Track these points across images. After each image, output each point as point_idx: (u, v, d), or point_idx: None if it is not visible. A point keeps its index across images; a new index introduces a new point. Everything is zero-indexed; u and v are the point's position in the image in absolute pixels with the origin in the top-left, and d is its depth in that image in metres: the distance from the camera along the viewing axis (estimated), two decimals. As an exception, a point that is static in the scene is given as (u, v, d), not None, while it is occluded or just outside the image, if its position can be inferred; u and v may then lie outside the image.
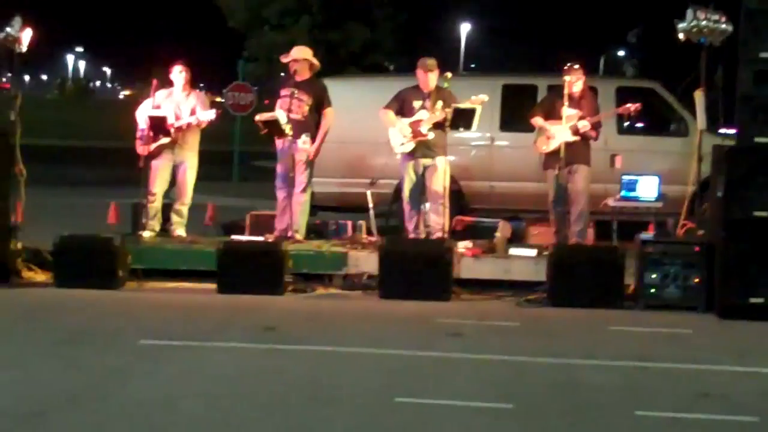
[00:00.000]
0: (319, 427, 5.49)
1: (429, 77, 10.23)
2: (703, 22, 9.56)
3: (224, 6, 29.49)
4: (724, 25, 9.58)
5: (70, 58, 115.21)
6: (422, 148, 10.30)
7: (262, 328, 7.98)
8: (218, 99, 21.53)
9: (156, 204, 10.75)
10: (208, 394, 6.04)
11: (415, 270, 9.32)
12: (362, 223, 11.12)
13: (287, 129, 10.33)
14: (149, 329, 7.83)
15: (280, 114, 10.43)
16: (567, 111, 10.27)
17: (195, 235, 10.93)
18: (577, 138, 10.36)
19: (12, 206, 10.00)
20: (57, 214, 14.52)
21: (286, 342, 7.49)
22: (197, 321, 8.29)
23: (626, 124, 12.93)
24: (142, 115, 10.78)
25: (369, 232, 11.01)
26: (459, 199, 11.91)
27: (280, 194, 10.65)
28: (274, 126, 10.43)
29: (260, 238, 10.47)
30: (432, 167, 10.32)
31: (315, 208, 11.94)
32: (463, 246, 10.07)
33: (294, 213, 10.52)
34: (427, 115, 10.17)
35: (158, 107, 10.72)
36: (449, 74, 10.38)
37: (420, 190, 10.48)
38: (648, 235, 9.94)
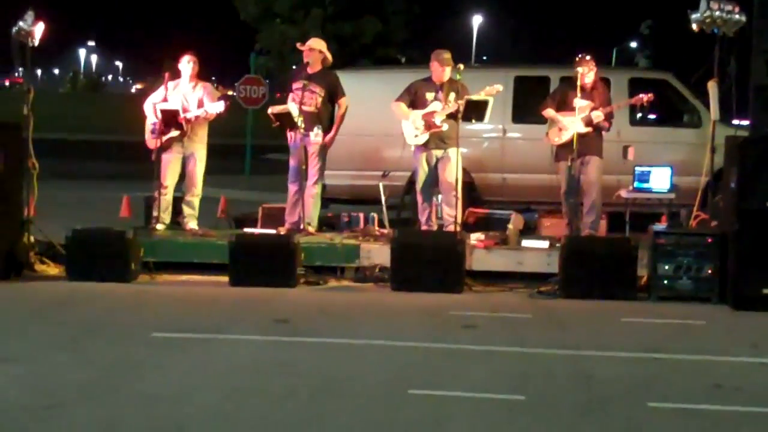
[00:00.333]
0: (331, 419, 5.49)
1: (445, 70, 10.22)
2: (717, 13, 9.52)
3: (236, -1, 29.49)
4: (737, 16, 9.54)
5: (82, 53, 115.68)
6: (435, 140, 10.30)
7: (274, 320, 7.99)
8: (230, 92, 21.52)
9: (168, 197, 10.76)
10: (221, 386, 6.05)
11: (428, 262, 9.31)
12: (374, 215, 11.13)
13: (299, 122, 10.33)
14: (162, 322, 7.85)
15: (292, 107, 10.43)
16: (579, 102, 10.25)
17: (207, 228, 10.94)
18: (589, 129, 10.34)
19: (25, 200, 10.02)
20: (69, 207, 14.58)
21: (298, 334, 7.49)
22: (209, 314, 8.31)
23: (639, 115, 12.89)
24: (150, 107, 10.77)
25: (381, 225, 11.01)
26: (471, 191, 11.90)
27: (292, 187, 10.65)
28: (286, 119, 10.43)
29: (272, 231, 10.48)
30: (445, 159, 10.32)
31: (327, 200, 11.96)
32: (475, 238, 10.07)
33: (306, 205, 10.52)
34: (440, 107, 10.16)
35: (165, 99, 10.72)
36: (461, 66, 10.36)
37: (433, 182, 10.47)
38: (661, 226, 9.93)
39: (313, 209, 10.61)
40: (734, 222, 8.78)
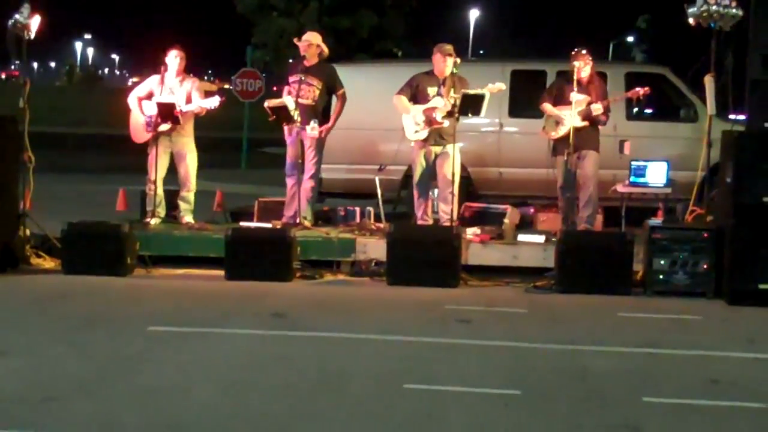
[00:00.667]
0: (327, 413, 5.49)
1: (447, 61, 10.16)
2: (713, 7, 9.52)
3: (232, -8, 29.44)
4: (734, 10, 9.54)
5: (78, 45, 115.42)
6: (435, 136, 10.28)
7: (270, 314, 7.99)
8: (226, 86, 21.53)
9: (159, 191, 10.73)
10: (217, 380, 6.05)
11: (423, 256, 9.31)
12: (370, 209, 11.12)
13: (296, 115, 10.32)
14: (158, 316, 7.84)
15: (288, 100, 10.41)
16: (576, 96, 10.24)
17: (203, 222, 10.93)
18: (586, 123, 10.34)
19: (21, 193, 10.01)
20: (65, 201, 14.58)
21: (294, 328, 7.49)
22: (206, 308, 8.30)
23: (635, 109, 12.88)
24: (134, 101, 10.72)
25: (377, 219, 11.01)
26: (467, 186, 11.88)
27: (289, 181, 10.64)
28: (282, 112, 10.42)
29: (268, 225, 10.47)
30: (444, 154, 10.29)
31: (323, 194, 11.95)
32: (471, 232, 10.06)
33: (302, 199, 10.51)
34: (442, 103, 10.13)
35: (151, 93, 10.68)
36: (458, 60, 10.34)
37: (430, 177, 10.47)
38: (657, 221, 9.93)
39: (309, 203, 10.60)
40: (730, 217, 8.79)
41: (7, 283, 9.23)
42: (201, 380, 6.05)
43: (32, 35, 10.07)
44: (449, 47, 10.27)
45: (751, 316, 8.35)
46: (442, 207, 10.35)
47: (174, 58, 10.69)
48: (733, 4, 9.55)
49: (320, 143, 10.60)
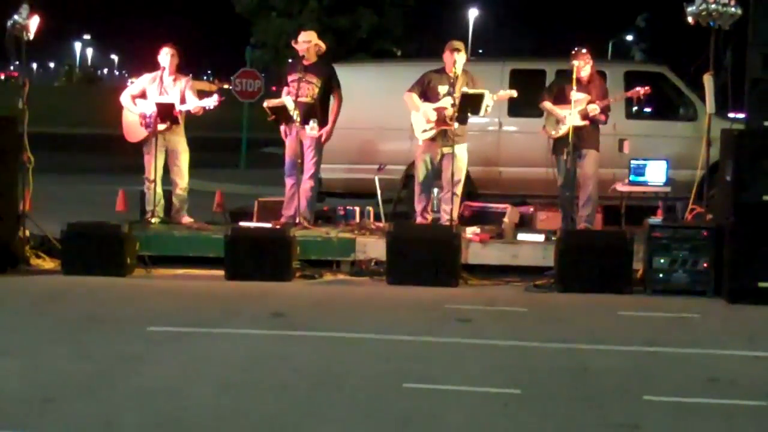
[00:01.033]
0: (327, 412, 5.50)
1: (454, 56, 10.05)
2: (712, 6, 9.51)
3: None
4: (733, 9, 9.52)
5: (77, 46, 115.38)
6: (443, 136, 10.24)
7: (270, 314, 7.99)
8: (226, 86, 21.50)
9: (158, 190, 10.73)
10: (217, 380, 6.05)
11: (423, 256, 9.31)
12: (370, 209, 11.12)
13: (295, 115, 10.31)
14: (157, 316, 7.84)
15: (287, 100, 10.40)
16: (576, 95, 10.23)
17: (203, 222, 10.93)
18: (586, 122, 10.33)
19: (20, 194, 10.01)
20: (65, 201, 14.56)
21: (294, 328, 7.49)
22: (205, 308, 8.31)
23: (635, 108, 12.86)
24: (128, 100, 10.71)
25: (377, 218, 11.01)
26: (467, 185, 11.88)
27: (288, 181, 10.63)
28: (282, 112, 10.41)
29: (268, 225, 10.46)
30: (451, 155, 10.23)
31: (323, 194, 11.94)
32: (471, 231, 10.06)
33: (302, 199, 10.50)
34: (450, 102, 10.08)
35: (144, 92, 10.67)
36: (465, 55, 10.31)
37: (434, 177, 10.44)
38: (656, 219, 9.93)
39: (308, 203, 10.59)
40: (730, 215, 8.79)
41: (6, 283, 9.23)
42: (201, 380, 6.05)
43: (31, 36, 10.06)
44: (457, 43, 10.21)
45: (750, 314, 8.35)
46: (444, 207, 10.34)
47: (166, 56, 10.66)
48: (732, 2, 9.53)
49: (320, 143, 10.59)
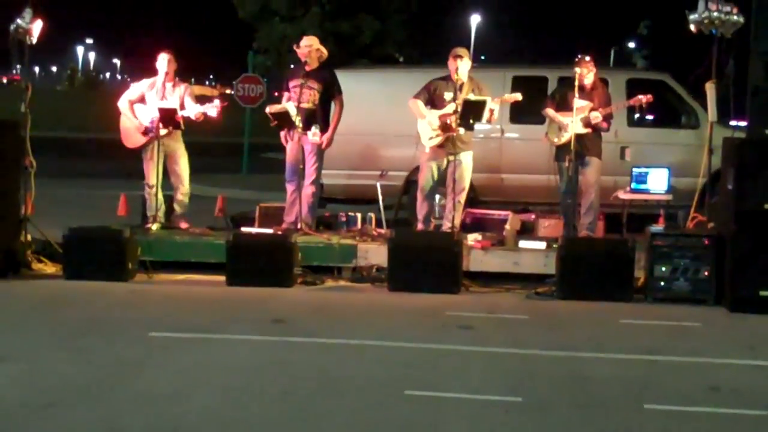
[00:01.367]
0: (328, 419, 5.49)
1: (457, 64, 10.03)
2: (715, 14, 9.52)
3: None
4: (735, 17, 9.54)
5: (80, 50, 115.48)
6: (450, 143, 10.22)
7: (271, 320, 7.99)
8: (228, 91, 21.50)
9: (159, 195, 10.74)
10: (218, 386, 6.05)
11: (425, 262, 9.31)
12: (372, 215, 11.12)
13: (297, 121, 10.31)
14: (159, 321, 7.84)
15: (289, 106, 10.41)
16: (578, 103, 10.24)
17: (204, 227, 10.93)
18: (588, 130, 10.34)
19: (22, 198, 10.01)
20: (67, 206, 14.58)
21: (295, 334, 7.49)
22: (206, 313, 8.30)
23: (636, 116, 12.88)
24: (126, 105, 10.71)
25: (378, 225, 11.01)
26: (469, 192, 11.88)
27: (290, 186, 10.64)
28: (284, 118, 10.42)
29: (269, 231, 10.46)
30: (457, 162, 10.21)
31: (324, 200, 11.95)
32: (472, 238, 10.06)
33: (303, 205, 10.50)
34: (453, 108, 10.08)
35: (142, 97, 10.68)
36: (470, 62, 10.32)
37: (438, 184, 10.43)
38: (658, 227, 9.94)
39: (310, 209, 10.58)
40: (731, 224, 8.78)
41: (8, 288, 9.23)
42: (201, 386, 6.05)
43: (34, 40, 10.08)
44: (461, 50, 10.19)
45: (752, 323, 8.34)
46: (447, 214, 10.33)
47: (164, 62, 10.67)
48: (735, 10, 9.55)
49: (321, 148, 10.59)
